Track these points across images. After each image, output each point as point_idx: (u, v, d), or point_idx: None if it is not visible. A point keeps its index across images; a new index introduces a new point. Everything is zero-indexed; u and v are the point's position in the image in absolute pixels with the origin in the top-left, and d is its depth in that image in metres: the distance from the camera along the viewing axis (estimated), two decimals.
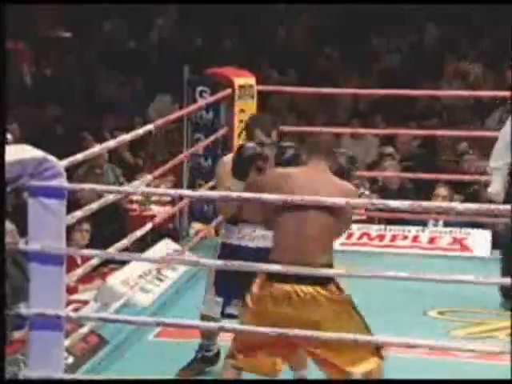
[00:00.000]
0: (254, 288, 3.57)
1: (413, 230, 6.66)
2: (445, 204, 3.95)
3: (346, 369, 3.55)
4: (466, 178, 7.30)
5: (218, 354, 4.40)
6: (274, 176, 3.68)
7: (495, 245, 6.56)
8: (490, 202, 5.28)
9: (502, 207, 3.49)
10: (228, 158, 4.22)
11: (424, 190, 7.35)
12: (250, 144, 4.04)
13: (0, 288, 3.32)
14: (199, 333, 4.42)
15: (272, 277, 3.51)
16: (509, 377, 3.67)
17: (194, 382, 4.33)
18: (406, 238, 6.61)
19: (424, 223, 6.94)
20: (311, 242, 3.51)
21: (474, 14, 10.92)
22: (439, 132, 8.07)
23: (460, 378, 4.19)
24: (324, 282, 3.50)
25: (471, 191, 7.35)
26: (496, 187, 5.31)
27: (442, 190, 6.76)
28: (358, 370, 3.56)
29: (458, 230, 6.61)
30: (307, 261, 3.48)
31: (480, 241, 6.48)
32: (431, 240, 6.56)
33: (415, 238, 6.59)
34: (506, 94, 8.48)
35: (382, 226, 6.80)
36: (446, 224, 6.79)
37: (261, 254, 3.85)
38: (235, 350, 3.61)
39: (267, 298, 3.52)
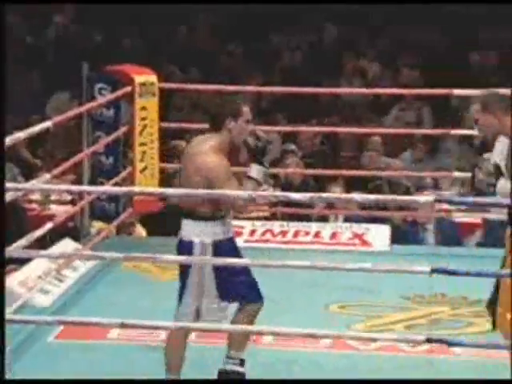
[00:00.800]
0: None
1: (314, 226, 6.73)
2: (344, 196, 4.00)
3: None
4: (367, 173, 7.43)
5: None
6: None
7: (394, 239, 6.69)
8: None
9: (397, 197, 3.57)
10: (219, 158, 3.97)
11: (326, 186, 7.45)
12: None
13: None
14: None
15: None
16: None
17: (193, 382, 4.27)
18: (307, 233, 6.67)
19: (325, 219, 7.05)
20: None
21: (372, 14, 11.09)
22: (340, 129, 8.18)
23: (361, 371, 4.27)
24: None
25: (373, 187, 7.47)
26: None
27: (337, 190, 6.91)
28: None
29: (358, 225, 6.72)
30: None
31: (379, 235, 6.59)
32: (333, 235, 6.64)
33: (317, 234, 6.66)
34: (402, 91, 8.65)
35: (285, 223, 6.85)
36: (346, 220, 6.91)
37: None
38: None
39: None
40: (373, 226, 6.70)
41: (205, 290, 3.97)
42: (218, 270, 3.94)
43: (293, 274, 5.35)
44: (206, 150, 3.96)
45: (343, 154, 8.85)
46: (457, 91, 6.53)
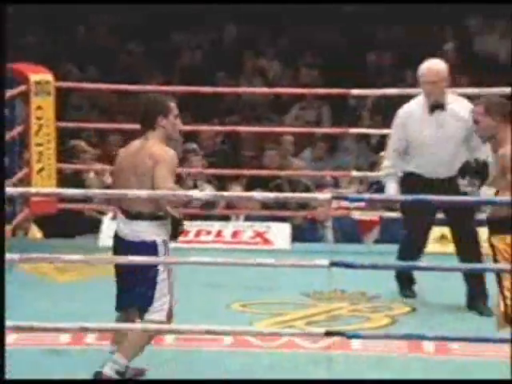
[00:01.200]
0: None
1: (216, 225, 6.75)
2: (244, 194, 4.04)
3: None
4: (268, 173, 7.48)
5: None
6: None
7: (295, 237, 6.76)
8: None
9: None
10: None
11: (228, 185, 7.48)
12: None
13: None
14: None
15: None
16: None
17: (191, 381, 4.22)
18: (209, 233, 6.68)
19: (227, 218, 7.07)
20: None
21: (273, 13, 11.18)
22: (240, 128, 8.20)
23: (263, 368, 4.30)
24: None
25: (274, 186, 7.52)
26: (393, 191, 5.35)
27: (238, 189, 6.95)
28: None
29: (260, 224, 6.76)
30: None
31: (280, 234, 6.65)
32: (234, 234, 6.66)
33: (219, 233, 6.68)
34: (302, 91, 8.75)
35: (187, 222, 6.84)
36: (248, 219, 6.95)
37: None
38: None
39: None
40: (274, 225, 6.75)
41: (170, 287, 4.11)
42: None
43: (193, 274, 5.36)
44: (152, 144, 4.11)
45: (244, 154, 8.89)
46: (354, 91, 6.64)
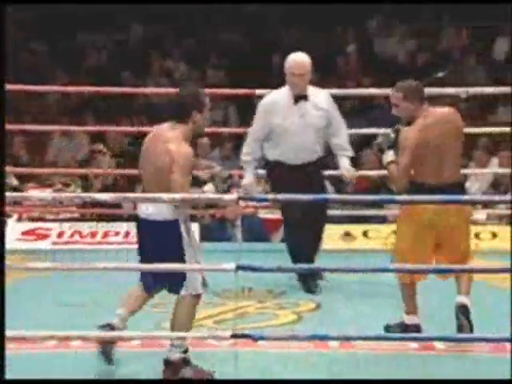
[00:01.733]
0: None
1: (124, 226, 6.75)
2: (149, 195, 4.07)
3: None
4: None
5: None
6: None
7: (203, 237, 6.81)
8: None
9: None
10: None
11: (136, 186, 7.46)
12: None
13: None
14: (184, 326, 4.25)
15: None
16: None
17: (191, 381, 4.18)
18: (118, 234, 6.69)
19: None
20: None
21: (180, 14, 11.20)
22: (148, 129, 8.16)
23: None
24: None
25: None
26: (249, 179, 5.74)
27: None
28: None
29: None
30: None
31: None
32: None
33: (127, 234, 6.69)
34: (209, 91, 8.78)
35: (94, 223, 6.83)
36: None
37: None
38: None
39: None
40: None
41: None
42: None
43: (101, 276, 5.36)
44: (175, 138, 4.20)
45: None
46: (259, 91, 6.72)
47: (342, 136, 5.68)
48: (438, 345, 4.58)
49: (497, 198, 4.71)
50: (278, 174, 5.69)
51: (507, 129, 7.16)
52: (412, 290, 4.77)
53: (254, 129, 5.77)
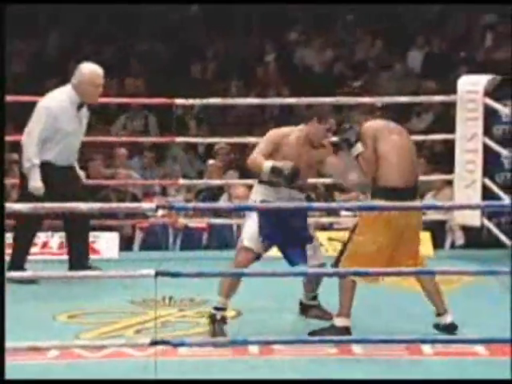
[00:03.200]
0: None
1: (42, 237, 6.66)
2: (68, 205, 4.03)
3: None
4: (94, 182, 7.46)
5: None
6: None
7: (124, 246, 6.78)
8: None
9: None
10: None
11: None
12: None
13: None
14: (225, 290, 4.87)
15: None
16: None
17: (191, 382, 4.10)
18: (35, 245, 6.58)
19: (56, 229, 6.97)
20: None
21: (97, 23, 11.15)
22: None
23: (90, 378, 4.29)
24: None
25: (102, 196, 7.49)
26: (37, 183, 5.85)
27: None
28: None
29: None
30: None
31: (108, 243, 6.66)
32: (61, 245, 6.60)
33: (45, 245, 6.62)
34: (128, 100, 8.80)
35: (9, 234, 6.71)
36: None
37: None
38: None
39: None
40: (102, 234, 6.75)
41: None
42: None
43: (16, 286, 5.28)
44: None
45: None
46: (179, 100, 6.73)
47: None
48: (357, 349, 4.64)
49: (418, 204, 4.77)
50: (51, 175, 5.88)
51: (421, 137, 7.32)
52: (352, 293, 4.82)
53: (38, 130, 5.89)
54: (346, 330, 4.78)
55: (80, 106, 5.96)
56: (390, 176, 4.76)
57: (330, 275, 4.83)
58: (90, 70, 5.97)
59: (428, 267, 4.94)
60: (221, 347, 4.14)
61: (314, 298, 5.18)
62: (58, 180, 5.87)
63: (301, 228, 4.99)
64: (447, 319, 4.89)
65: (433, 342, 4.50)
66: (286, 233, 4.96)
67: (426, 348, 4.62)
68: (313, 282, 5.16)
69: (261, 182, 5.03)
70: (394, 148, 4.81)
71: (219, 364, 4.46)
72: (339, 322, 4.81)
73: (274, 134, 5.01)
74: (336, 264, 4.90)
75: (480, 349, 4.65)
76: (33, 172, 5.85)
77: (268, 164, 4.85)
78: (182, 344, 3.82)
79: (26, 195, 5.81)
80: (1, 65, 3.56)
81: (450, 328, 4.87)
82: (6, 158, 8.61)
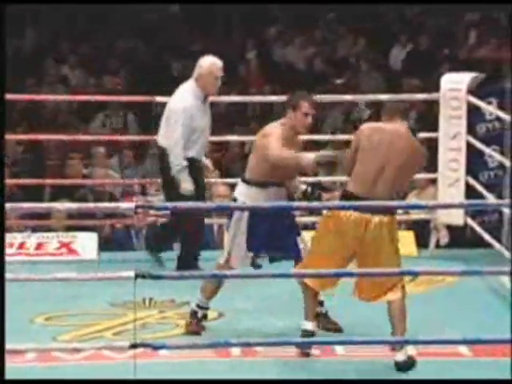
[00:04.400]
0: None
1: (19, 237, 6.56)
2: (45, 205, 3.96)
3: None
4: (73, 182, 7.37)
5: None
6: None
7: (104, 246, 6.68)
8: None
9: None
10: None
11: (33, 195, 7.28)
12: None
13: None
14: (207, 293, 4.91)
15: None
16: None
17: (195, 382, 4.03)
18: (12, 245, 6.48)
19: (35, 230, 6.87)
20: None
21: (73, 20, 11.05)
22: (42, 136, 7.98)
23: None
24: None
25: (80, 196, 7.40)
26: (189, 185, 5.92)
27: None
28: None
29: (65, 234, 6.63)
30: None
31: (87, 243, 6.54)
32: (38, 246, 6.50)
33: (21, 245, 6.50)
34: (107, 98, 8.69)
35: None
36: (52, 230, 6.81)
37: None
38: None
39: None
40: (80, 234, 6.63)
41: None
42: None
43: None
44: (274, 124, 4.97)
45: (49, 163, 8.69)
46: (159, 98, 6.64)
47: None
48: (340, 350, 4.60)
49: (395, 203, 4.69)
50: (196, 172, 5.98)
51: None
52: (314, 297, 4.75)
53: (180, 132, 5.92)
54: (311, 334, 4.71)
55: (204, 99, 6.00)
56: (353, 181, 4.64)
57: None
58: (209, 62, 6.00)
59: (411, 269, 4.80)
60: (202, 349, 4.05)
61: (321, 303, 5.03)
62: (202, 174, 6.08)
63: (290, 233, 4.92)
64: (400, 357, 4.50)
65: (415, 342, 4.42)
66: (276, 241, 4.89)
67: (409, 349, 4.55)
68: None
69: (245, 181, 4.92)
70: (369, 158, 4.59)
71: (200, 366, 4.40)
72: (305, 325, 4.74)
73: (276, 131, 4.86)
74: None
75: (463, 349, 4.62)
76: (183, 174, 5.90)
77: (311, 156, 4.67)
78: (163, 347, 3.73)
79: (176, 197, 5.80)
80: (1, 65, 3.50)
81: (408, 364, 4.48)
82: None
